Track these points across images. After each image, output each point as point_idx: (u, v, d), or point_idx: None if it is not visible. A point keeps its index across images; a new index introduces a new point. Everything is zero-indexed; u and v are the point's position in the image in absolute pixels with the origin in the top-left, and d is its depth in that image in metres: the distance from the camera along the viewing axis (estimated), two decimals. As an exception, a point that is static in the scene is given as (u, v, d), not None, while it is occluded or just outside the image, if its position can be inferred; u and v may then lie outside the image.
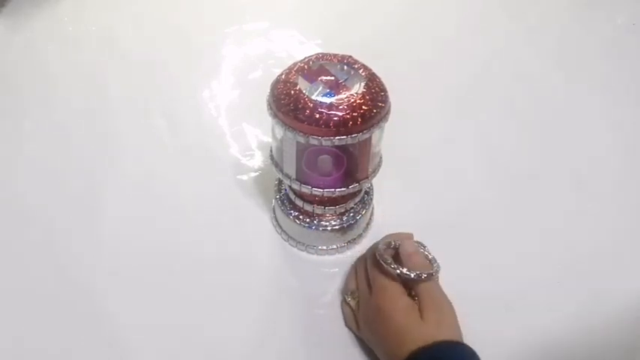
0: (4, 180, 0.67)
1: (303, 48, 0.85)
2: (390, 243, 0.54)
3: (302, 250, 0.61)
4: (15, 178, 0.67)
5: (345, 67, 0.52)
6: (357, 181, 0.55)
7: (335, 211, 0.59)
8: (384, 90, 0.52)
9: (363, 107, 0.49)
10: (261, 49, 0.85)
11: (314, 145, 0.50)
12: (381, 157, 0.57)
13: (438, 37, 0.88)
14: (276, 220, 0.63)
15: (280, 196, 0.61)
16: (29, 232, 0.62)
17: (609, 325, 0.56)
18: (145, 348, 0.54)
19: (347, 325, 0.56)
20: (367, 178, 0.56)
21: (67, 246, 0.61)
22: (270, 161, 0.58)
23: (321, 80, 0.51)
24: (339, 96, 0.50)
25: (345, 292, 0.57)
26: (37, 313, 0.55)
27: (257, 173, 0.68)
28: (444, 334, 0.47)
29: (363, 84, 0.51)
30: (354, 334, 0.55)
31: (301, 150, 0.53)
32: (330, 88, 0.50)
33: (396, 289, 0.51)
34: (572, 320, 0.56)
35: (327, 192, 0.54)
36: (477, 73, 0.82)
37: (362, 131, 0.50)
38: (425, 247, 0.54)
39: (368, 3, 0.93)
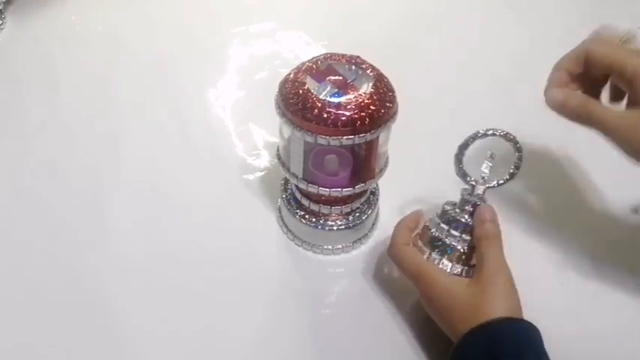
0: (11, 178, 0.67)
1: (309, 49, 0.85)
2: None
3: (308, 250, 0.61)
4: (21, 177, 0.67)
5: (354, 67, 0.53)
6: (364, 181, 0.55)
7: (341, 211, 0.59)
8: (391, 90, 0.52)
9: (371, 107, 0.50)
10: (268, 49, 0.85)
11: (321, 145, 0.50)
12: (387, 157, 0.57)
13: (445, 37, 0.88)
14: (282, 220, 0.63)
15: (286, 196, 0.61)
16: (36, 232, 0.62)
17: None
18: (151, 347, 0.54)
19: None
20: (374, 178, 0.56)
21: (74, 245, 0.61)
22: (276, 161, 0.58)
23: (329, 80, 0.51)
24: (347, 96, 0.50)
25: None
26: (44, 312, 0.55)
27: (263, 173, 0.69)
28: (498, 310, 0.46)
29: (371, 84, 0.51)
30: (359, 334, 0.55)
31: (308, 149, 0.53)
32: (339, 87, 0.51)
33: (429, 272, 0.51)
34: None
35: (334, 192, 0.54)
36: (483, 74, 0.82)
37: (370, 131, 0.50)
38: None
39: (374, 4, 0.94)
